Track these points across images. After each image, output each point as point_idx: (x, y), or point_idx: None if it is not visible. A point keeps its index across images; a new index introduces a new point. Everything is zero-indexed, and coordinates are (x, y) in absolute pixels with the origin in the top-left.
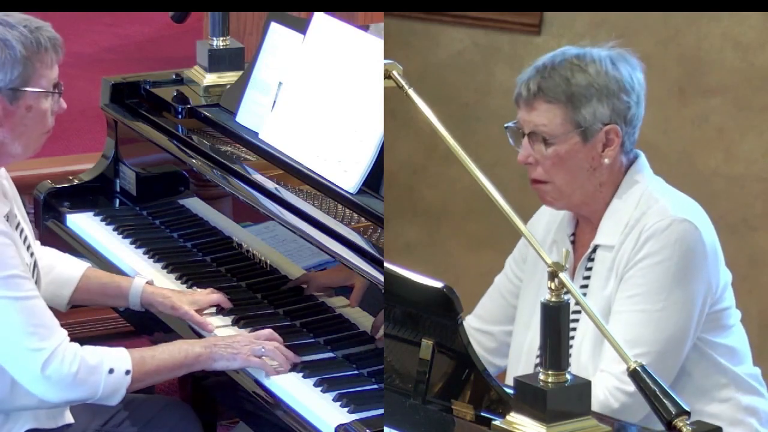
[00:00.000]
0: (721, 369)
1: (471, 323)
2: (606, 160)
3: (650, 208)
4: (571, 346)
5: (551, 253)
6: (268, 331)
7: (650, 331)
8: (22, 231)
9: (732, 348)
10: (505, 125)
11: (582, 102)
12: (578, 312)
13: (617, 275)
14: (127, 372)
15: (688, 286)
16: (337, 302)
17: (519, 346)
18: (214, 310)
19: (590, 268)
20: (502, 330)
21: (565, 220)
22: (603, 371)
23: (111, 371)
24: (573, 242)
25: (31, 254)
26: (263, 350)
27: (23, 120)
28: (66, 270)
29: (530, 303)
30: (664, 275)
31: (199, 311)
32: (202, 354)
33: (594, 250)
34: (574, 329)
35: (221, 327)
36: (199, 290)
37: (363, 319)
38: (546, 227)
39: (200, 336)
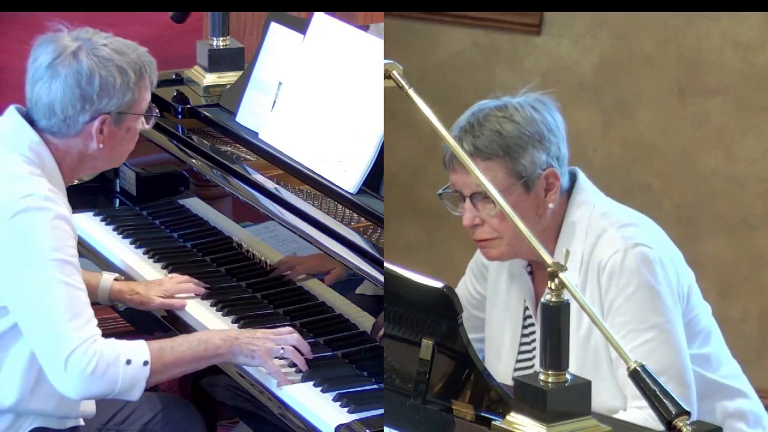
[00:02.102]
0: (701, 380)
1: None
2: (550, 205)
3: (600, 239)
4: None
5: (511, 288)
6: (287, 329)
7: (664, 355)
8: None
9: (707, 355)
10: (438, 192)
11: (519, 152)
12: None
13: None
14: (145, 363)
15: (666, 301)
16: (337, 302)
17: (494, 372)
18: (207, 304)
19: None
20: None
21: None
22: (640, 408)
23: (128, 362)
24: (530, 273)
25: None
26: (282, 351)
27: (122, 141)
28: None
29: (496, 332)
30: (643, 303)
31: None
32: (222, 347)
33: None
34: None
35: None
36: (172, 275)
37: (363, 319)
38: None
39: (191, 330)
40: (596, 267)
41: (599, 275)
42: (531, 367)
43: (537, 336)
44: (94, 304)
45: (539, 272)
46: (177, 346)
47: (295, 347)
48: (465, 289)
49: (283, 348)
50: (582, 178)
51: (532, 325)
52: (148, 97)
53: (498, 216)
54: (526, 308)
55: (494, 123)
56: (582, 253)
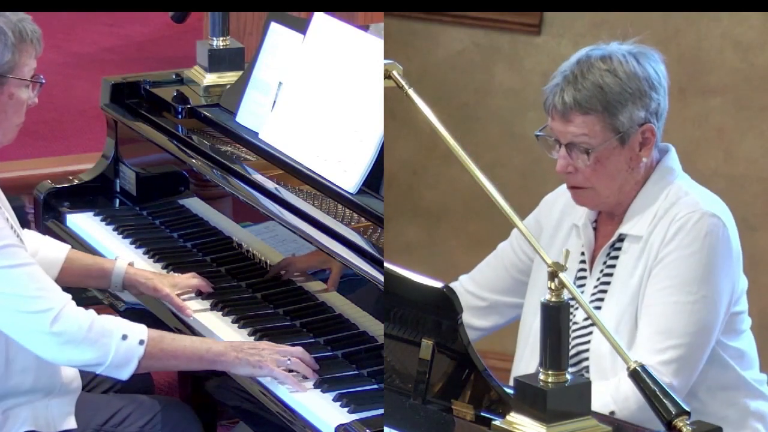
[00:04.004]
0: (732, 372)
1: (464, 284)
2: (644, 159)
3: (680, 200)
4: (589, 342)
5: (570, 237)
6: (293, 347)
7: (683, 323)
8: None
9: (742, 351)
10: (536, 133)
11: (618, 108)
12: (600, 299)
13: (646, 265)
14: (141, 342)
15: (717, 281)
16: (337, 302)
17: (528, 329)
18: (207, 304)
19: (614, 257)
20: (495, 298)
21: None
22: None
23: (124, 337)
24: (595, 229)
25: (17, 236)
26: (289, 362)
27: (5, 107)
28: (50, 253)
29: (541, 288)
30: (696, 268)
31: (179, 295)
32: (226, 354)
33: (618, 239)
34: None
35: (222, 327)
36: (178, 274)
37: (363, 319)
38: (563, 210)
39: (192, 330)
40: (669, 219)
41: (669, 226)
42: (571, 318)
43: (586, 289)
44: (103, 291)
45: (604, 226)
46: (179, 339)
47: (300, 359)
48: (510, 251)
49: (289, 359)
50: (674, 153)
51: (584, 278)
52: (32, 64)
53: (591, 167)
54: (582, 261)
55: (597, 76)
56: (657, 209)
